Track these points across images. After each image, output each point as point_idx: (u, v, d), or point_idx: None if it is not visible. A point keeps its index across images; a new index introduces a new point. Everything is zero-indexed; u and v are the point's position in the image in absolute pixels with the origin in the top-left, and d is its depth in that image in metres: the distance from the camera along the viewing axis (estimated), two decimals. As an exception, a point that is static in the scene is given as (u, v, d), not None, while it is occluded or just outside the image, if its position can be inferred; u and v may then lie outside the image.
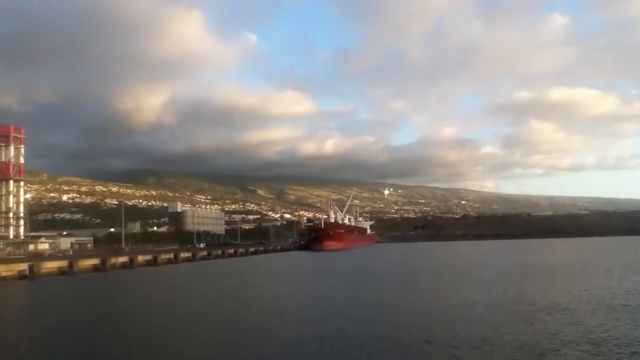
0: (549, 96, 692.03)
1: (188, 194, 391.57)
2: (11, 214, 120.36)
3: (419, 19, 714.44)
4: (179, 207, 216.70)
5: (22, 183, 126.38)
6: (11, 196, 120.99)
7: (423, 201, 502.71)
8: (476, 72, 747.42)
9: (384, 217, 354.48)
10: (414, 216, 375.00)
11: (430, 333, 21.04)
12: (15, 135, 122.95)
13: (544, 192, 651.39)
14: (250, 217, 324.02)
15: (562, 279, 44.99)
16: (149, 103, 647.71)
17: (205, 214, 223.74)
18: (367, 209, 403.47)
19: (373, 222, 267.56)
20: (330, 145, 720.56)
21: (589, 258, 74.53)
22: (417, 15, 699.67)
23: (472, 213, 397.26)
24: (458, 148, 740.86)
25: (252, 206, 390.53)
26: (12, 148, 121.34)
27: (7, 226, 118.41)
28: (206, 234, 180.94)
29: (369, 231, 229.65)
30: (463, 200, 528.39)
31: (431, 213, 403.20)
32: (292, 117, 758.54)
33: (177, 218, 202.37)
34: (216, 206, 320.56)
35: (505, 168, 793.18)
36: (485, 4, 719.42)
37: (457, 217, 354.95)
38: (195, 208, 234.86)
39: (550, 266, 61.32)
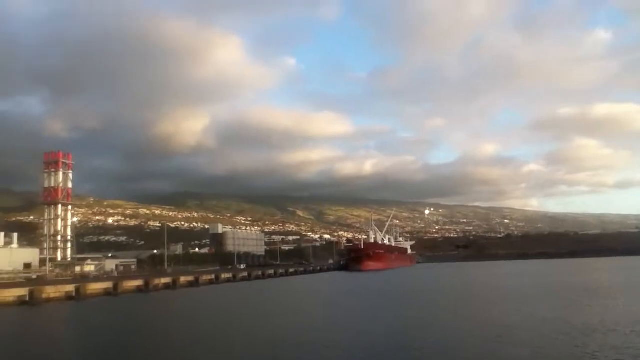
0: (593, 111, 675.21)
1: (229, 215, 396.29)
2: (59, 237, 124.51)
3: (456, 35, 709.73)
4: (220, 228, 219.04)
5: (69, 207, 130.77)
6: (59, 220, 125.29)
7: (465, 220, 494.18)
8: (516, 87, 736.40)
9: (425, 237, 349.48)
10: (455, 236, 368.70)
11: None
12: (63, 161, 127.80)
13: (591, 210, 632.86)
14: (290, 237, 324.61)
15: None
16: (189, 126, 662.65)
17: (245, 235, 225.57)
18: (407, 229, 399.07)
19: (413, 242, 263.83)
20: (369, 165, 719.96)
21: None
22: (454, 30, 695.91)
23: (516, 232, 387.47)
24: (500, 166, 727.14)
25: (291, 227, 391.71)
26: (60, 173, 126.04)
27: (55, 248, 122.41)
28: (246, 255, 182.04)
29: (409, 251, 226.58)
30: (506, 219, 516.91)
31: (473, 233, 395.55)
32: (330, 138, 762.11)
33: (218, 239, 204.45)
34: (256, 227, 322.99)
35: (550, 186, 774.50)
36: (523, 18, 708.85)
37: (500, 236, 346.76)
38: (235, 229, 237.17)
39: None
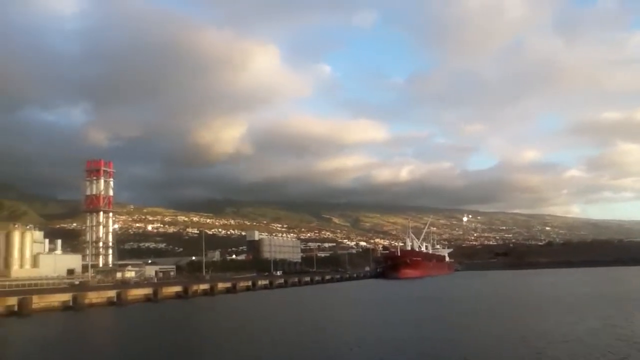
0: (637, 115, 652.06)
1: (265, 222, 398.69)
2: (101, 244, 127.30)
3: (494, 38, 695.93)
4: (257, 235, 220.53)
5: (110, 214, 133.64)
6: (101, 227, 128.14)
7: (504, 228, 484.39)
8: (557, 91, 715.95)
9: (463, 245, 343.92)
10: (494, 243, 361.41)
11: None
12: (105, 169, 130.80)
13: (636, 217, 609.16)
14: (326, 244, 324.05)
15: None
16: (227, 135, 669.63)
17: (281, 242, 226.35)
18: (445, 236, 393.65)
19: (451, 249, 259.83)
20: (405, 171, 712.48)
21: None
22: (493, 33, 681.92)
23: (557, 240, 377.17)
24: (540, 172, 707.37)
25: (327, 234, 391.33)
26: (102, 181, 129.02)
27: (97, 255, 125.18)
28: (283, 261, 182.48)
29: (447, 259, 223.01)
30: (547, 226, 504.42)
31: (513, 240, 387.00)
32: (366, 144, 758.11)
33: (254, 246, 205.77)
34: (292, 234, 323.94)
35: (593, 192, 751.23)
36: (564, 20, 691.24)
37: (541, 244, 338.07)
38: (272, 236, 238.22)
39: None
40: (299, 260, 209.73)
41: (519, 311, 45.10)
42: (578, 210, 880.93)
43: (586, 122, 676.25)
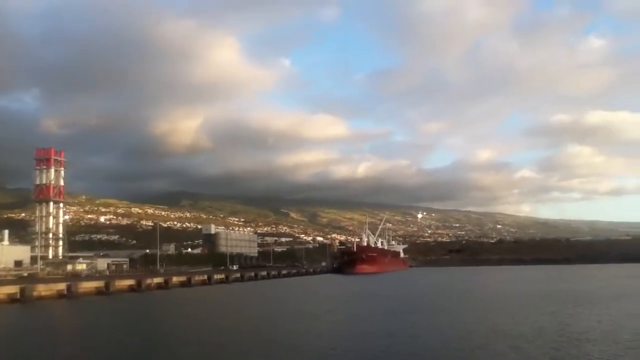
0: (588, 119, 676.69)
1: (222, 216, 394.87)
2: (51, 235, 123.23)
3: (456, 40, 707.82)
4: (213, 229, 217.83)
5: (61, 205, 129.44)
6: (51, 217, 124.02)
7: (457, 225, 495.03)
8: (513, 93, 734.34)
9: (417, 241, 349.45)
10: (448, 240, 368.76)
11: None
12: (55, 158, 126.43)
13: (583, 216, 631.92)
14: (283, 239, 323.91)
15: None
16: (185, 126, 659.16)
17: (238, 236, 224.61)
18: (400, 232, 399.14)
19: (406, 245, 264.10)
20: (363, 168, 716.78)
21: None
22: (455, 36, 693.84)
23: (508, 237, 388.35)
24: (494, 171, 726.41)
25: (284, 229, 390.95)
26: (52, 171, 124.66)
27: (46, 246, 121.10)
28: (239, 256, 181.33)
29: (402, 255, 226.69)
30: (499, 224, 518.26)
31: (466, 237, 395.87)
32: (326, 140, 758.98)
33: (210, 240, 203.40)
34: (249, 228, 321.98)
35: (543, 192, 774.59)
36: (522, 25, 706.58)
37: (492, 241, 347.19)
38: (228, 230, 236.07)
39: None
40: (256, 255, 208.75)
41: (465, 307, 45.92)
42: (528, 209, 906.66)
43: (539, 125, 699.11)
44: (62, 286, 62.94)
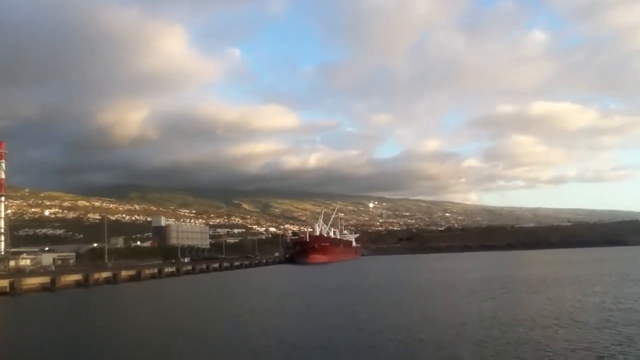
0: (530, 110, 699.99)
1: (172, 208, 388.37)
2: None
3: (403, 34, 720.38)
4: (163, 221, 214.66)
5: (2, 198, 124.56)
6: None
7: (407, 214, 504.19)
8: (459, 86, 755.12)
9: (369, 230, 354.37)
10: (398, 229, 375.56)
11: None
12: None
13: (527, 204, 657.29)
14: (235, 230, 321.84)
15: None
16: (131, 118, 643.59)
17: (189, 228, 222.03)
18: (352, 222, 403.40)
19: (358, 235, 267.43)
20: (314, 158, 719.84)
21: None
22: (402, 30, 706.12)
23: (456, 225, 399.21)
24: (441, 161, 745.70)
25: (236, 220, 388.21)
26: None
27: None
28: (190, 248, 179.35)
29: (354, 244, 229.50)
30: (447, 212, 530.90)
31: (416, 225, 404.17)
32: (276, 131, 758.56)
33: (161, 232, 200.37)
34: (201, 220, 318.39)
35: (488, 181, 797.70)
36: (468, 20, 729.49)
37: (441, 229, 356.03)
38: (179, 222, 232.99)
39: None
40: (208, 247, 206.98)
41: (410, 295, 47.43)
42: (475, 197, 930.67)
43: (484, 116, 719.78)
44: (4, 283, 61.03)
